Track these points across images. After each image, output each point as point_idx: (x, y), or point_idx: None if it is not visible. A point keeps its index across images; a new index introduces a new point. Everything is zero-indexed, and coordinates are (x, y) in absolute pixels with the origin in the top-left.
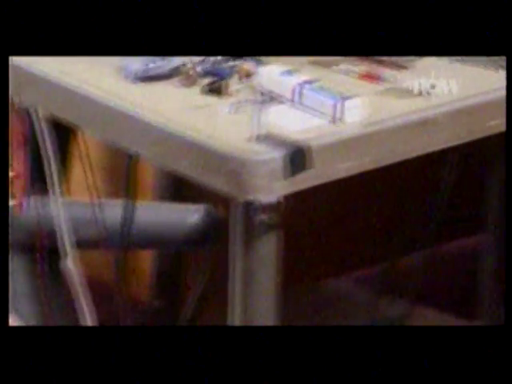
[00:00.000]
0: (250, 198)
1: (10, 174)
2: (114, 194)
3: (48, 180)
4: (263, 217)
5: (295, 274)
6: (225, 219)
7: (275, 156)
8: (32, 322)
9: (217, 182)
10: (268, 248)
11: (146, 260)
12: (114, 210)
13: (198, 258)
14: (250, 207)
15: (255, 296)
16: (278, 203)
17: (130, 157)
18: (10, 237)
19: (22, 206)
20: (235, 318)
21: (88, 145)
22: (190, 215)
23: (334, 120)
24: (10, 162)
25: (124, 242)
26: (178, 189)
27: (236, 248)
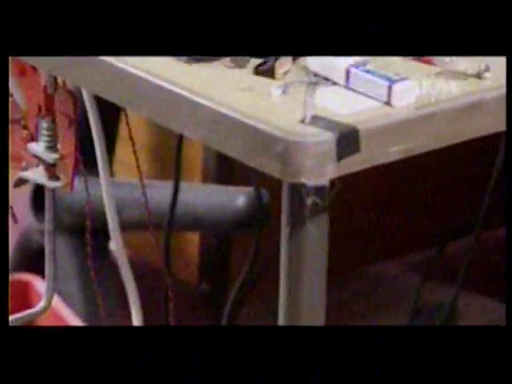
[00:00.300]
0: (300, 180)
1: (58, 154)
2: (160, 175)
3: (96, 160)
4: (313, 199)
5: (343, 258)
6: (272, 202)
7: (326, 138)
8: (78, 304)
9: (266, 164)
10: (317, 231)
11: (193, 242)
12: (161, 192)
13: (245, 241)
14: (299, 190)
15: (305, 279)
16: (328, 186)
17: (180, 138)
18: (57, 218)
19: (70, 187)
20: (284, 302)
21: (135, 125)
22: (238, 198)
23: (385, 102)
24: (57, 143)
25: (171, 223)
26: (226, 171)
27: (285, 231)
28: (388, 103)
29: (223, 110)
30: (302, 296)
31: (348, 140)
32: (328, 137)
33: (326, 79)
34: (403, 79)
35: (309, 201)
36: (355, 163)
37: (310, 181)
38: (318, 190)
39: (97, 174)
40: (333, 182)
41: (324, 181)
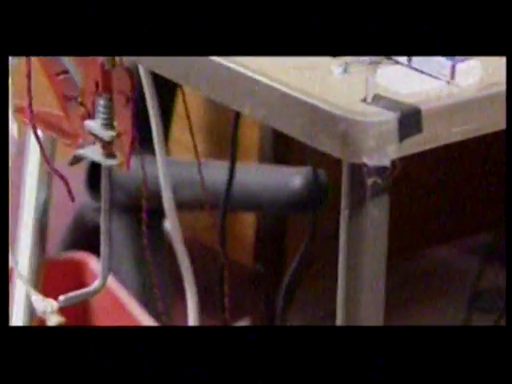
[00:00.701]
0: (361, 160)
1: (115, 131)
2: (216, 154)
3: (151, 138)
4: (374, 180)
5: (402, 240)
6: (329, 183)
7: (388, 118)
8: (132, 284)
9: (327, 144)
10: (378, 212)
11: (249, 223)
12: (217, 171)
13: (301, 222)
14: (359, 170)
15: (364, 261)
16: (389, 166)
17: (236, 116)
18: (112, 196)
19: (126, 165)
20: (342, 285)
21: (191, 103)
22: (295, 178)
23: (449, 82)
24: (114, 120)
25: (226, 204)
26: (282, 150)
27: (345, 212)
28: (451, 83)
29: (283, 89)
30: (362, 279)
31: (410, 120)
32: (390, 116)
33: (389, 58)
34: (467, 58)
35: (369, 181)
36: (417, 144)
37: (371, 161)
38: (379, 171)
39: (152, 152)
40: (394, 163)
41: (385, 161)
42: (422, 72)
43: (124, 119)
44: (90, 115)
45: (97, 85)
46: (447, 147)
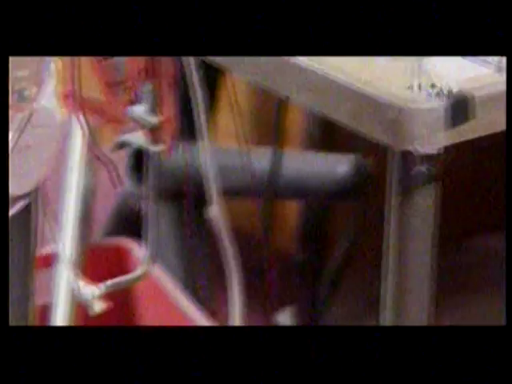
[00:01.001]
0: (409, 148)
1: (158, 118)
2: (261, 141)
3: (196, 125)
4: (422, 168)
5: (451, 228)
6: (375, 170)
7: (437, 105)
8: (176, 270)
9: (374, 131)
10: (426, 201)
11: (293, 211)
12: (261, 158)
13: (345, 210)
14: (408, 158)
15: (412, 249)
16: (438, 155)
17: (280, 102)
18: (157, 183)
19: (170, 152)
20: (388, 273)
21: (236, 89)
22: (340, 165)
23: (499, 69)
24: (158, 106)
25: (271, 191)
26: (328, 138)
27: (393, 200)
28: (501, 70)
29: (332, 75)
30: (408, 267)
31: (460, 107)
32: (440, 104)
33: None
34: None
35: (417, 169)
36: (467, 131)
37: (421, 149)
38: (429, 159)
39: (196, 139)
40: (444, 151)
41: (435, 149)
42: (472, 59)
43: (168, 105)
44: (134, 101)
45: (141, 71)
46: (497, 136)
